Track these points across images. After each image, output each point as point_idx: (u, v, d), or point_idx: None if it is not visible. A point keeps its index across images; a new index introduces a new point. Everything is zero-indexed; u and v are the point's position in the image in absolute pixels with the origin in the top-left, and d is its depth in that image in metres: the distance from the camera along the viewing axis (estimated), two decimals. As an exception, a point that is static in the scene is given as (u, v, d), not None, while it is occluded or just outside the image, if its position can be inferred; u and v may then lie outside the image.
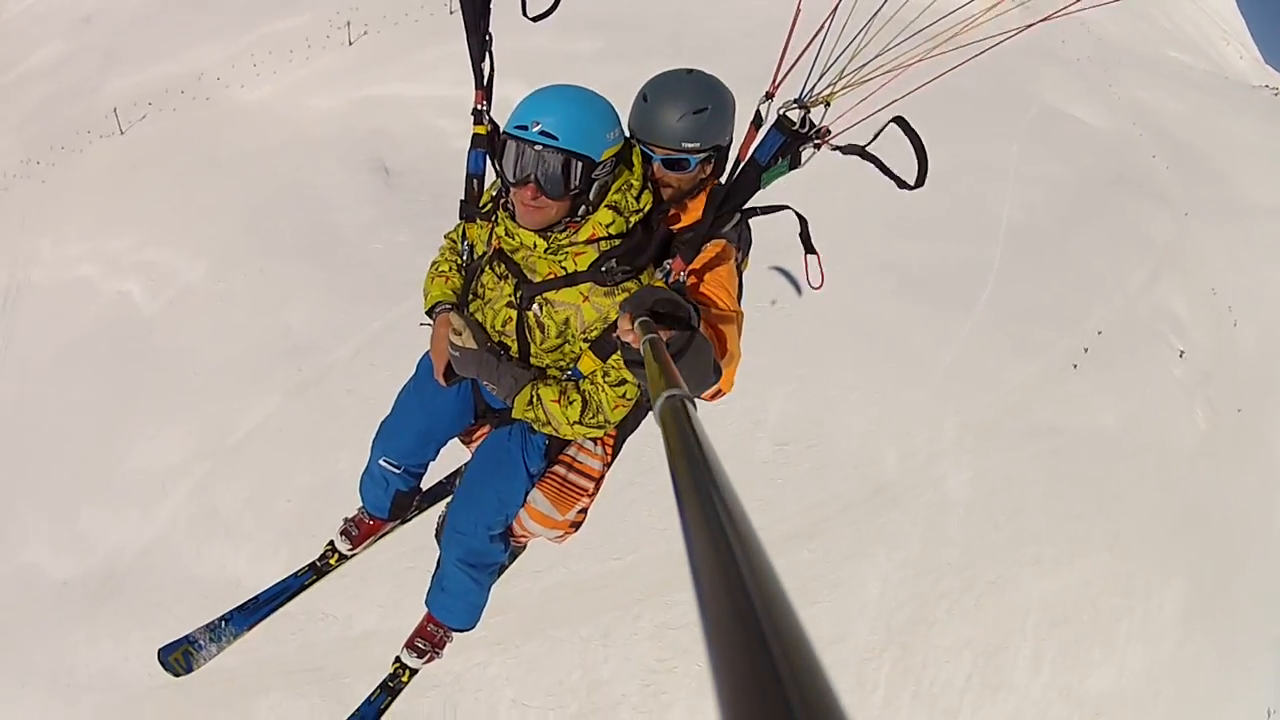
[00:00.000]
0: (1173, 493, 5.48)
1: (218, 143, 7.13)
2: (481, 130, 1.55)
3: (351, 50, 8.52)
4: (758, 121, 1.25)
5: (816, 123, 1.20)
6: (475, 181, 1.55)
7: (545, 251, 1.33)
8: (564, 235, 1.32)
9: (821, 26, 1.10)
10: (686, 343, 0.96)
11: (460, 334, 1.39)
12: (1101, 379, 5.38)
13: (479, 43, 1.54)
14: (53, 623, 5.11)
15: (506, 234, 1.36)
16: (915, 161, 1.15)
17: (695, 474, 0.35)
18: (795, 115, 1.20)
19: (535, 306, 1.40)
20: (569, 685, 4.37)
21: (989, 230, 6.16)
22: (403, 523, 1.99)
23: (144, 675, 4.93)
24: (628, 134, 1.43)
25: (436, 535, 1.91)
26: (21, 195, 6.55)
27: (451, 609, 1.76)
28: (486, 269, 1.48)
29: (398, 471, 1.77)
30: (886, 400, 4.85)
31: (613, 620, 4.32)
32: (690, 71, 1.40)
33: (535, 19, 1.47)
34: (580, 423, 1.41)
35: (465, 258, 1.59)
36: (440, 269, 1.62)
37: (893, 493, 4.59)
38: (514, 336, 1.45)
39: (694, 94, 1.35)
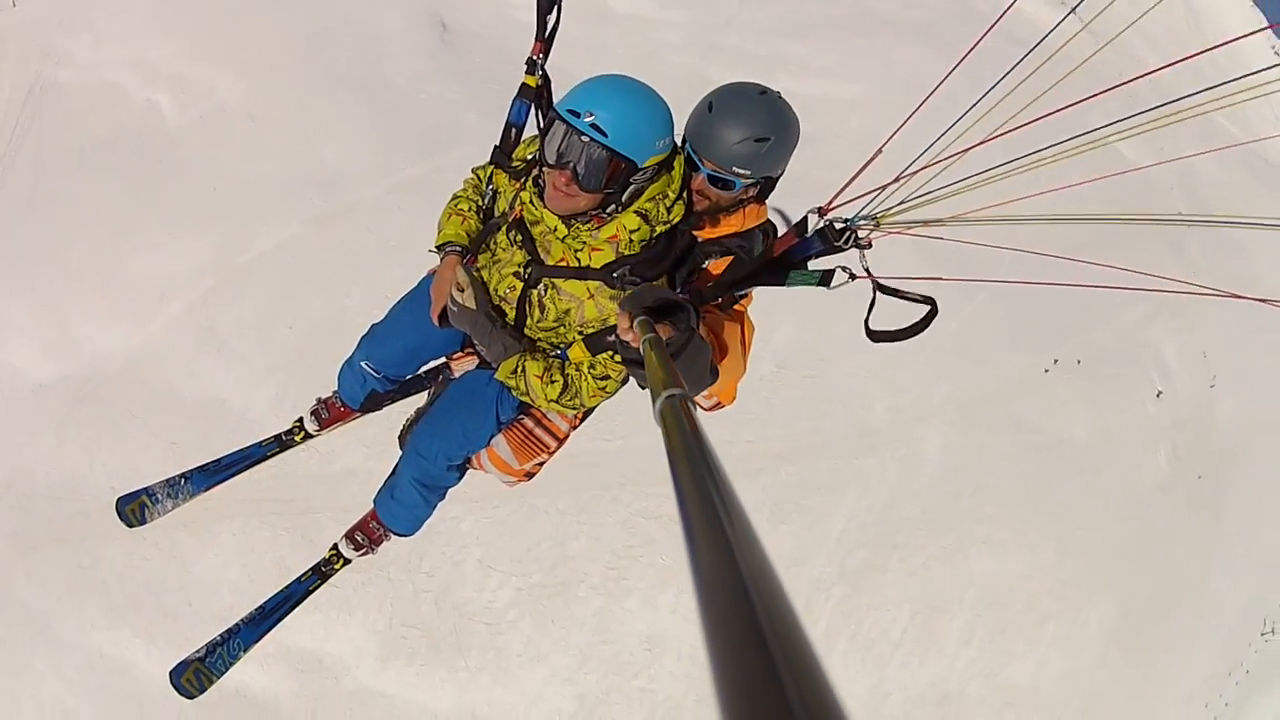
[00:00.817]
0: (1122, 520, 6.43)
1: None
2: (532, 82, 1.67)
3: None
4: (801, 229, 1.33)
5: (861, 237, 1.27)
6: (514, 130, 1.68)
7: (564, 238, 1.45)
8: (586, 228, 1.43)
9: (910, 164, 1.14)
10: (684, 343, 1.06)
11: (464, 290, 1.51)
12: (1082, 391, 6.30)
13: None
14: (19, 425, 5.39)
15: (531, 205, 1.48)
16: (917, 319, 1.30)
17: (696, 473, 0.41)
18: (839, 229, 1.27)
19: (541, 287, 1.53)
20: (536, 555, 5.03)
21: (1010, 226, 7.04)
22: (373, 412, 2.23)
23: (105, 489, 5.38)
24: (680, 138, 1.51)
25: (400, 438, 2.17)
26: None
27: (396, 515, 2.03)
28: (503, 230, 1.60)
29: (377, 376, 1.99)
30: (885, 353, 5.55)
31: (591, 499, 5.01)
32: (764, 92, 1.41)
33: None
34: (557, 402, 1.59)
35: (487, 201, 1.72)
36: (459, 207, 1.74)
37: (873, 440, 5.37)
38: (514, 305, 1.59)
39: (761, 120, 1.38)
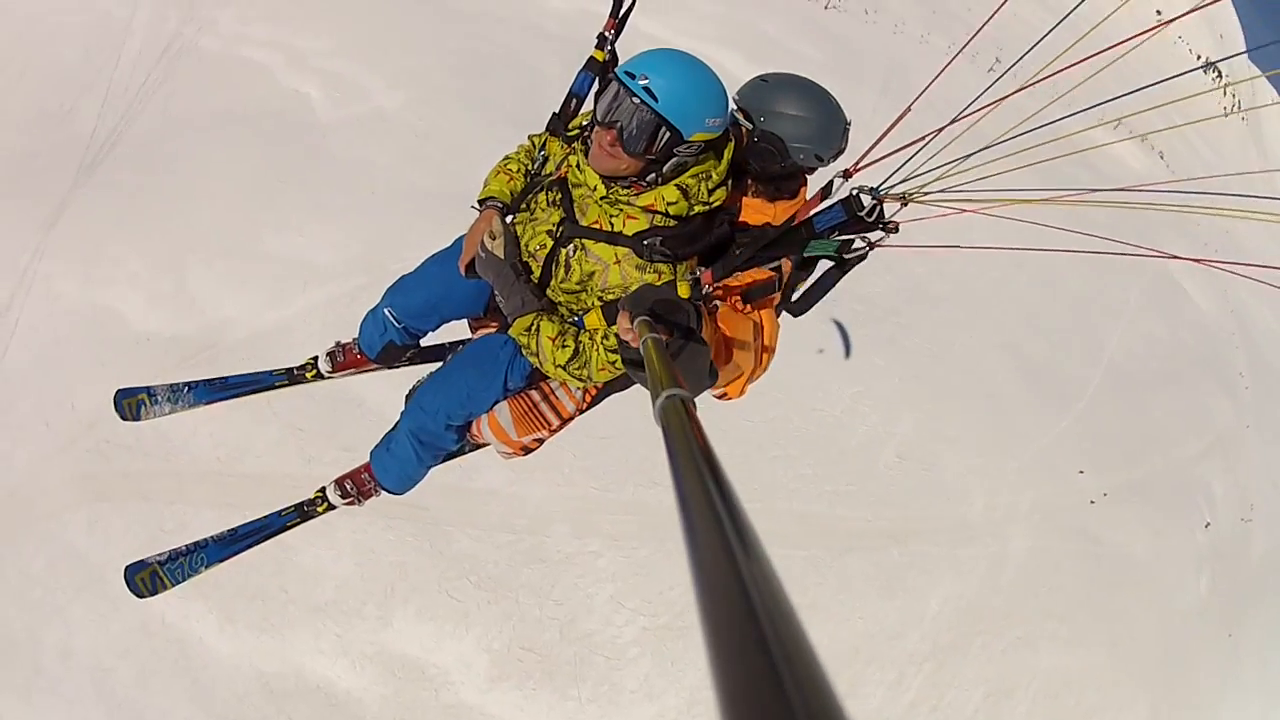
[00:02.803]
0: (1163, 634, 9.20)
1: None
2: (600, 56, 2.26)
3: None
4: (826, 192, 1.77)
5: (888, 216, 1.65)
6: (574, 100, 2.27)
7: (601, 199, 1.93)
8: (625, 192, 1.90)
9: (941, 129, 1.48)
10: (682, 345, 1.42)
11: (495, 239, 1.98)
12: (1143, 515, 9.18)
13: None
14: (116, 369, 6.58)
15: (576, 167, 1.97)
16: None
17: (696, 473, 0.50)
18: (866, 201, 1.65)
19: (570, 246, 2.00)
20: (667, 598, 7.09)
21: (1095, 357, 10.19)
22: (387, 368, 2.76)
23: (210, 458, 6.82)
24: (750, 124, 2.07)
25: (407, 396, 2.67)
26: None
27: (388, 469, 2.50)
28: (545, 190, 2.12)
29: (398, 326, 2.48)
30: (987, 459, 8.23)
31: (726, 553, 7.16)
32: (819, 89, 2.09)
33: None
34: (565, 368, 2.01)
35: (536, 166, 2.26)
36: (508, 166, 2.30)
37: (970, 533, 7.89)
38: (541, 263, 2.08)
39: (822, 101, 2.05)
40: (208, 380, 2.94)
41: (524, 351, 2.10)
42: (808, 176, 2.25)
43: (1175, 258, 1.65)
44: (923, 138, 1.46)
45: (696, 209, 1.94)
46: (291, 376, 2.94)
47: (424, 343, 2.72)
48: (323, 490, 2.75)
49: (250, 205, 7.73)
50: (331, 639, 6.71)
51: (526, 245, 2.11)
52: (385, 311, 2.50)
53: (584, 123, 2.18)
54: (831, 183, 1.74)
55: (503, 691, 6.75)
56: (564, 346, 2.00)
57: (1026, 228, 1.69)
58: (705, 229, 1.97)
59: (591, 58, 2.28)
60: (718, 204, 1.97)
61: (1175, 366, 11.44)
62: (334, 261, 7.63)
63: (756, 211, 2.16)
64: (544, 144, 2.29)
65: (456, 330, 2.70)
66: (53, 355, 7.01)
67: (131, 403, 2.87)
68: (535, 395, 2.30)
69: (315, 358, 2.89)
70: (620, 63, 1.88)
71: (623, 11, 2.27)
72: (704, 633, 0.33)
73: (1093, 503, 8.92)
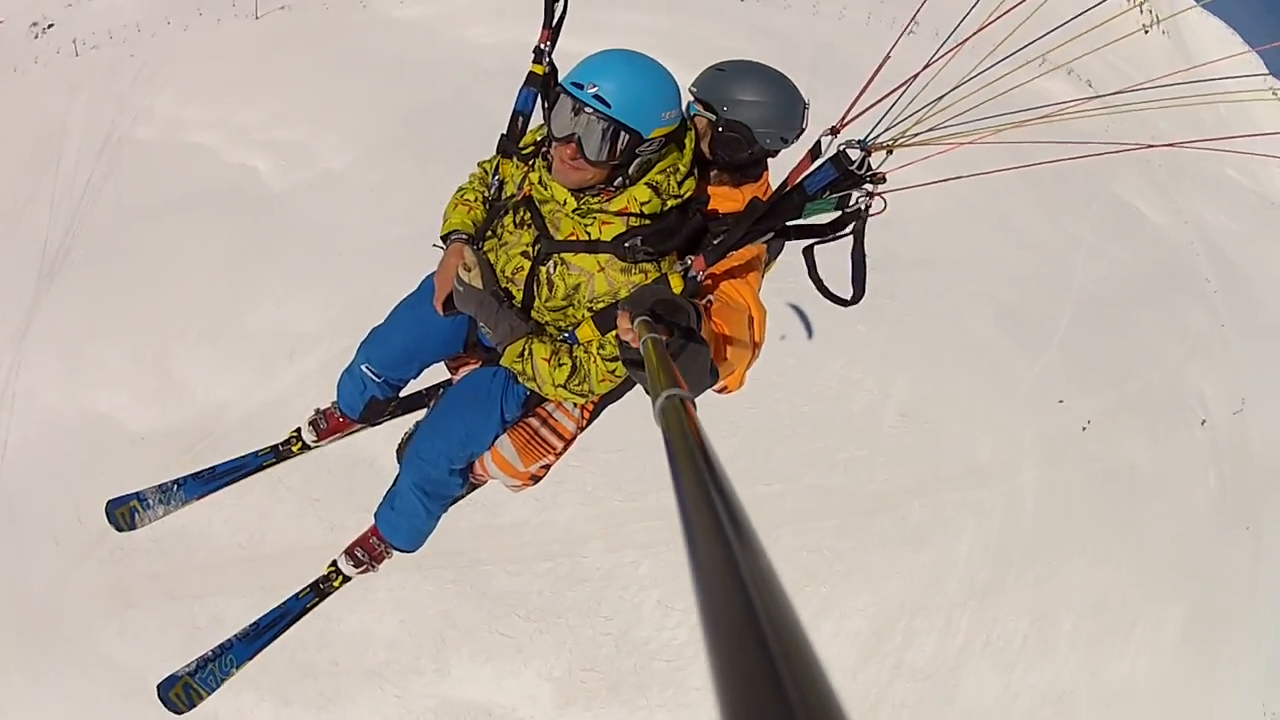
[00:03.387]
0: (1185, 535, 10.21)
1: (366, 47, 10.41)
2: (539, 70, 2.37)
3: None
4: (815, 152, 1.90)
5: (874, 167, 1.78)
6: (520, 119, 2.38)
7: (573, 211, 2.06)
8: (596, 200, 2.04)
9: (916, 75, 1.60)
10: (683, 345, 1.53)
11: (470, 270, 2.08)
12: (1139, 427, 10.20)
13: None
14: (118, 475, 6.85)
15: (540, 184, 2.10)
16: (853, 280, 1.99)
17: (696, 473, 0.54)
18: (855, 155, 1.78)
19: (550, 263, 2.13)
20: None
21: (1064, 290, 11.29)
22: (372, 426, 2.87)
23: (229, 544, 7.26)
24: (687, 103, 2.19)
25: (398, 452, 2.78)
26: (138, 51, 9.32)
27: (397, 528, 2.63)
28: (510, 212, 2.24)
29: (378, 380, 2.59)
30: (982, 404, 9.13)
31: (758, 538, 7.90)
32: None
33: None
34: (565, 387, 2.13)
35: (493, 192, 2.37)
36: (465, 197, 2.42)
37: (983, 475, 8.75)
38: (521, 286, 2.20)
39: (777, 83, 2.27)
40: (195, 474, 3.07)
41: (520, 379, 2.20)
42: (769, 160, 2.42)
43: (1153, 146, 1.86)
44: (900, 86, 1.66)
45: (670, 203, 2.08)
46: (278, 453, 3.05)
47: (403, 392, 2.83)
48: (334, 564, 2.87)
49: (221, 285, 8.22)
50: (392, 701, 7.19)
51: (502, 271, 2.23)
52: (362, 369, 2.60)
53: (537, 138, 2.29)
54: (819, 142, 1.89)
55: (572, 716, 7.31)
56: (560, 365, 2.11)
57: (987, 164, 2.05)
58: (681, 222, 2.11)
59: (531, 73, 2.41)
60: (689, 195, 2.12)
61: (1143, 284, 12.68)
62: (317, 327, 8.14)
63: (725, 199, 2.31)
64: (496, 168, 2.40)
65: (433, 375, 2.84)
66: (49, 470, 7.39)
67: (124, 511, 2.97)
68: (534, 422, 2.40)
69: (298, 430, 2.99)
70: (561, 74, 2.03)
71: (555, 21, 2.42)
72: (704, 633, 0.36)
73: (1084, 429, 9.96)
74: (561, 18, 2.42)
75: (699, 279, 2.09)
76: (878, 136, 1.76)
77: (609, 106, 1.85)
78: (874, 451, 8.51)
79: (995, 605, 8.39)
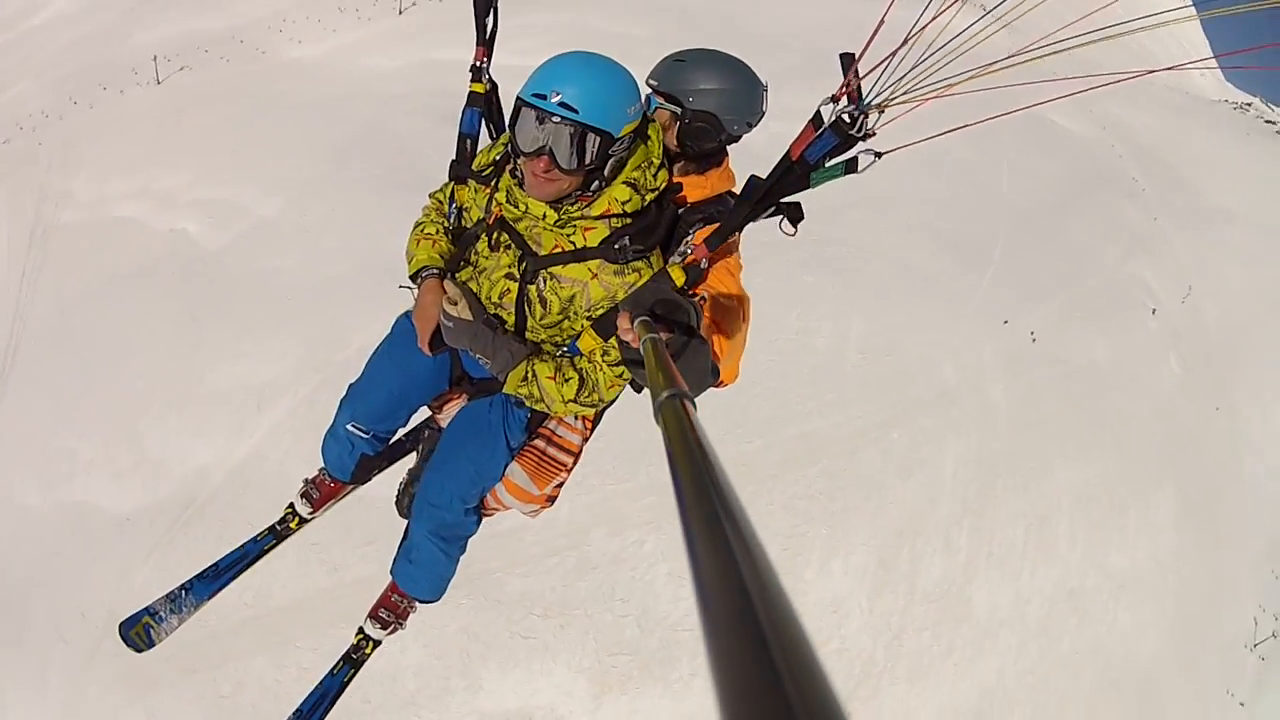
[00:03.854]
0: (1159, 420, 11.22)
1: (271, 93, 11.06)
2: (479, 89, 2.48)
3: (402, 19, 13.82)
4: (817, 122, 1.99)
5: (868, 127, 1.92)
6: (468, 141, 2.47)
7: (554, 224, 2.13)
8: (575, 208, 2.12)
9: (907, 38, 1.74)
10: (685, 343, 1.60)
11: (456, 304, 2.13)
12: (1092, 326, 11.17)
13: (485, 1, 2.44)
14: (108, 564, 7.44)
15: (509, 202, 2.17)
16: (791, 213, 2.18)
17: (696, 474, 0.57)
18: (843, 114, 1.92)
19: (539, 280, 2.21)
20: None
21: (996, 209, 12.41)
22: (364, 483, 2.98)
23: (237, 604, 7.57)
24: (647, 96, 2.33)
25: (397, 504, 2.91)
26: (47, 138, 9.75)
27: (418, 580, 2.73)
28: (483, 237, 2.32)
29: (365, 436, 2.69)
30: (937, 329, 10.00)
31: (751, 494, 8.62)
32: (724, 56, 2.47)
33: None
34: (575, 401, 2.23)
35: (453, 221, 2.46)
36: (425, 231, 2.50)
37: (952, 397, 9.58)
38: (512, 309, 2.27)
39: (733, 66, 2.44)
40: (200, 575, 3.18)
41: (528, 402, 2.28)
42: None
43: (1125, 78, 2.01)
44: (893, 52, 1.80)
45: (648, 197, 2.17)
46: (277, 534, 3.15)
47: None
48: (361, 631, 2.99)
49: (177, 351, 8.67)
50: (431, 727, 7.68)
51: (487, 298, 2.29)
52: (348, 428, 2.68)
53: (495, 157, 2.34)
54: (819, 111, 1.98)
55: (611, 702, 7.80)
56: (567, 380, 2.20)
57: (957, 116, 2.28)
58: (660, 214, 2.22)
59: (472, 92, 2.48)
60: (663, 186, 2.22)
61: (1071, 192, 13.89)
62: (278, 374, 8.59)
63: (695, 188, 2.40)
64: (452, 195, 2.47)
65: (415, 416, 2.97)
66: (44, 572, 7.71)
67: (138, 631, 3.06)
68: (540, 444, 2.50)
69: (291, 504, 3.10)
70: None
71: (488, 37, 2.50)
72: (704, 633, 0.38)
73: (1032, 340, 10.97)
74: (494, 32, 2.53)
75: (704, 266, 2.22)
76: (870, 100, 1.92)
77: (576, 112, 1.92)
78: (843, 393, 9.30)
79: (990, 517, 9.22)
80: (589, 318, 2.23)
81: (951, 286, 10.87)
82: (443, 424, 2.78)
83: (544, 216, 2.13)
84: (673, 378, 0.95)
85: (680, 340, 1.63)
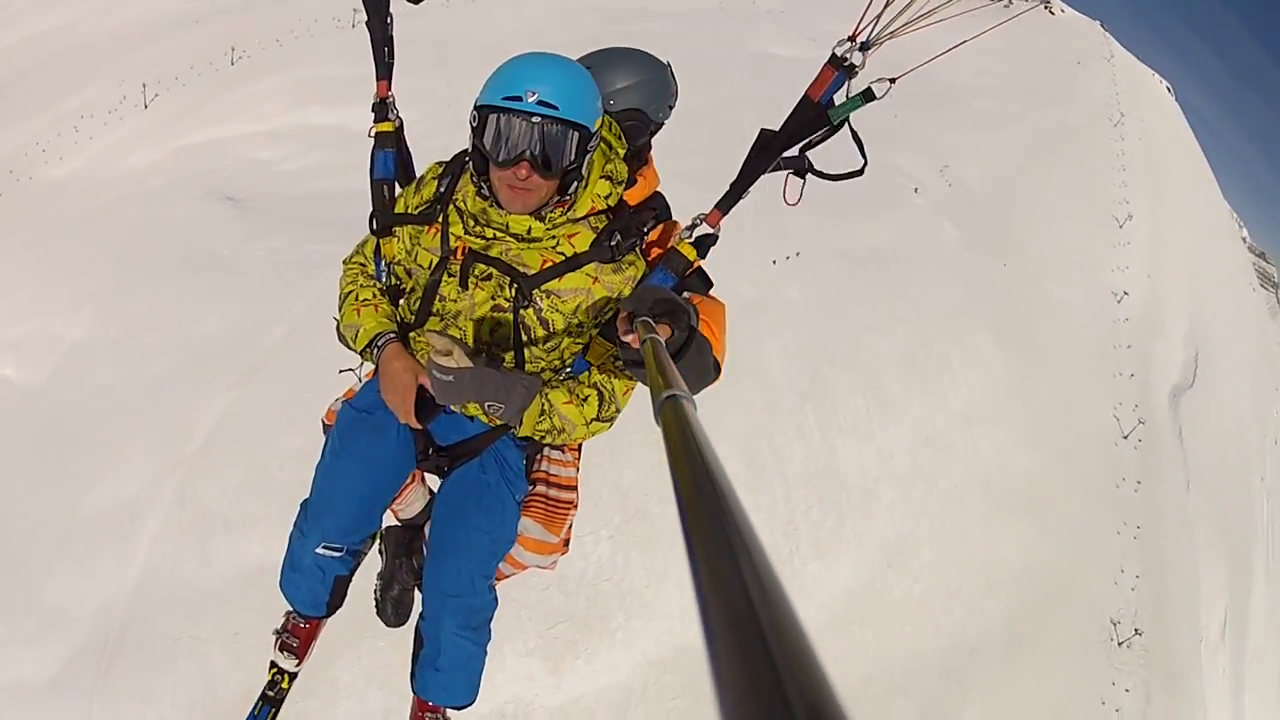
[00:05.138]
0: (953, 277, 14.22)
1: (40, 218, 12.23)
2: (388, 127, 2.63)
3: (149, 112, 15.59)
4: (836, 64, 2.28)
5: (855, 65, 2.26)
6: (385, 187, 2.61)
7: (545, 232, 2.29)
8: (558, 214, 2.27)
9: None
10: (686, 342, 1.79)
11: (449, 354, 2.13)
12: (864, 215, 14.36)
13: (380, 24, 2.63)
14: None
15: (475, 230, 2.32)
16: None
17: (696, 475, 0.63)
18: (859, 58, 2.27)
19: (536, 302, 2.33)
20: (609, 502, 9.56)
21: (744, 143, 15.75)
22: (340, 607, 2.95)
23: None
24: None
25: (380, 614, 3.05)
26: None
27: (454, 687, 2.77)
28: (445, 279, 2.39)
29: (339, 555, 2.72)
30: (720, 260, 12.94)
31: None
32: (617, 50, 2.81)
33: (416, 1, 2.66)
34: (597, 418, 2.38)
35: (385, 279, 2.58)
36: (361, 298, 2.56)
37: (758, 306, 11.77)
38: (507, 343, 2.39)
39: (641, 60, 2.75)
40: None
41: (547, 438, 2.39)
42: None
43: None
44: None
45: (619, 190, 2.43)
46: (270, 700, 3.15)
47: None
48: None
49: (37, 497, 9.35)
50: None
51: (475, 339, 2.41)
52: (317, 553, 2.67)
53: (429, 196, 2.46)
54: (834, 53, 2.29)
55: (569, 671, 8.80)
56: (585, 400, 2.36)
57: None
58: (626, 205, 2.46)
59: (380, 133, 2.63)
60: (626, 174, 2.46)
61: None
62: (141, 485, 9.31)
63: (633, 193, 2.67)
64: (377, 251, 2.58)
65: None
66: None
67: None
68: (540, 489, 2.66)
69: (272, 663, 3.07)
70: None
71: (387, 69, 2.67)
72: (704, 636, 0.42)
73: (773, 262, 13.58)
74: (391, 65, 2.71)
75: (716, 233, 2.53)
76: (872, 39, 2.26)
77: (557, 109, 2.07)
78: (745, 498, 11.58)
79: (828, 398, 11.60)
80: (597, 325, 2.43)
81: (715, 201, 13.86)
82: (401, 515, 3.02)
83: (529, 231, 2.30)
84: (673, 378, 1.05)
85: (681, 339, 1.86)
